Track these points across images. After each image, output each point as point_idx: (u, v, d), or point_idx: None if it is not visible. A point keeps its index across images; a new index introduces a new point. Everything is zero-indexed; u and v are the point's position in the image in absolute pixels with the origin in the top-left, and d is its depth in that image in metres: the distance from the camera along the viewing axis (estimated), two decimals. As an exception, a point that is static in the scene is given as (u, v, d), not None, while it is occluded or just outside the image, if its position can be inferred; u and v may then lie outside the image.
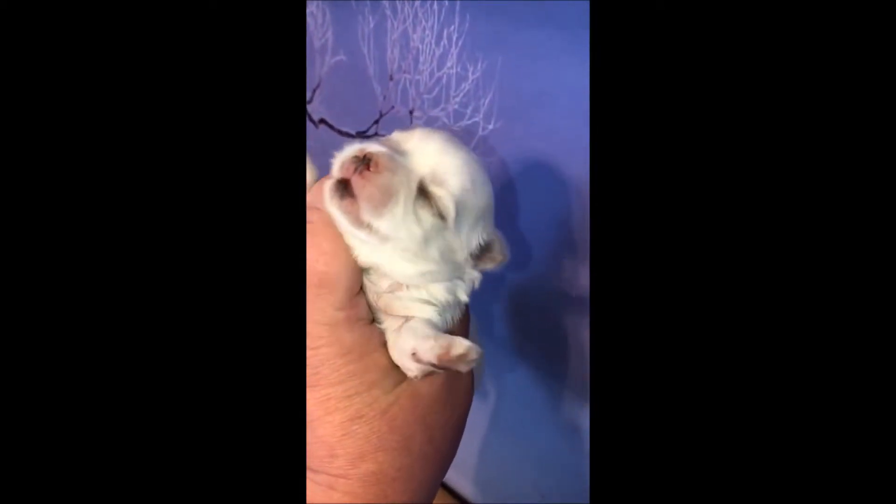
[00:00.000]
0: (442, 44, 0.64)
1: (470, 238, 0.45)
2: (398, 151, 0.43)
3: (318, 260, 0.43)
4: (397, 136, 0.46)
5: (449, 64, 0.64)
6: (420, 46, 0.66)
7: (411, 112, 0.70)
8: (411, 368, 0.44)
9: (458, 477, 0.93)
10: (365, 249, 0.43)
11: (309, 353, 0.42)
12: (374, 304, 0.46)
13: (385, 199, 0.41)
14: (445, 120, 0.66)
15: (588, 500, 0.35)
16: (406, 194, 0.42)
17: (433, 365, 0.42)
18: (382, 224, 0.42)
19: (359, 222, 0.42)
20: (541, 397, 0.73)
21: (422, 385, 0.45)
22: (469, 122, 0.64)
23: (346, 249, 0.43)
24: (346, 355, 0.43)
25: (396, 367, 0.45)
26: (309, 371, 0.42)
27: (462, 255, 0.46)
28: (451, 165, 0.43)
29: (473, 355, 0.42)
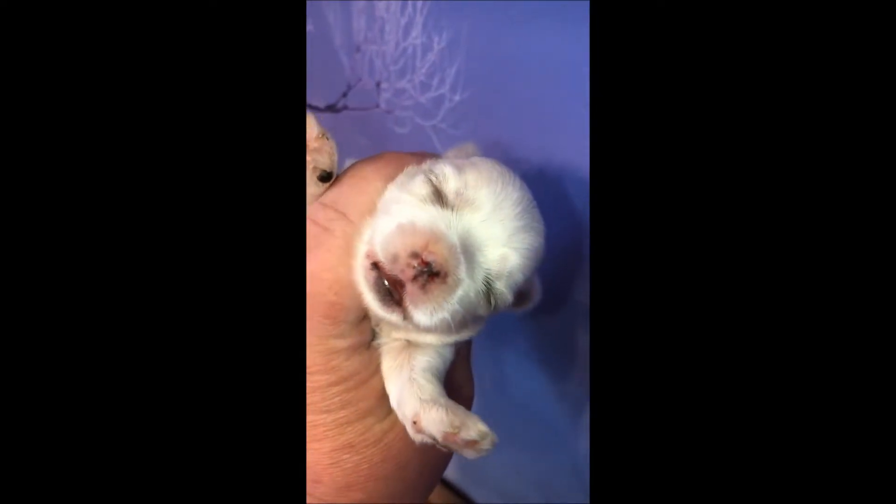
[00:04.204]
0: (407, 13, 0.62)
1: (510, 300, 0.39)
2: (453, 195, 0.36)
3: (331, 289, 0.36)
4: (451, 173, 0.37)
5: (414, 34, 0.62)
6: (385, 16, 0.65)
7: (378, 84, 0.69)
8: (410, 432, 0.38)
9: (456, 473, 0.93)
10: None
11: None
12: (373, 323, 0.40)
13: (446, 308, 0.35)
14: (412, 92, 0.65)
15: (588, 500, 0.34)
16: (469, 298, 0.36)
17: (434, 440, 0.36)
18: (429, 322, 0.36)
19: (402, 319, 0.36)
20: (542, 395, 0.72)
21: None
22: (435, 93, 0.62)
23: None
24: (341, 384, 0.38)
25: None
26: None
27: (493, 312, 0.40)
28: (520, 258, 0.37)
29: (486, 445, 0.36)
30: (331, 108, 0.77)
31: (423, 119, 0.65)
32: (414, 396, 0.37)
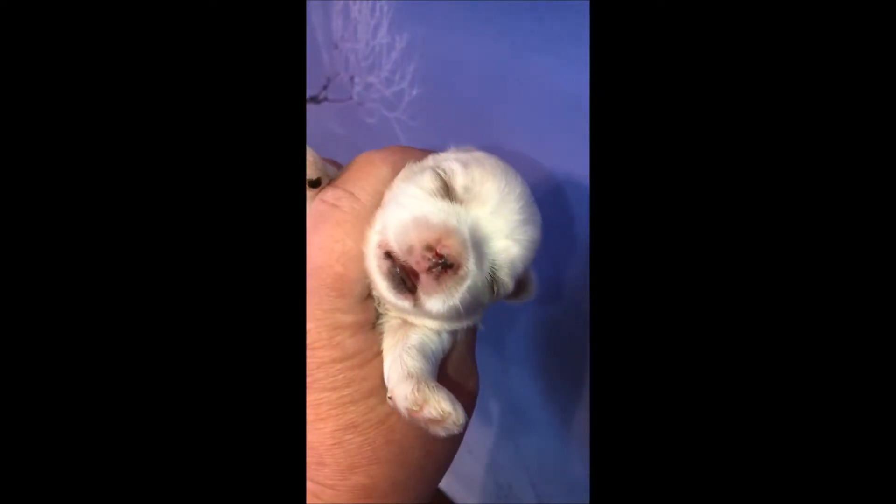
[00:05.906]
0: (375, 15, 0.69)
1: (511, 289, 0.40)
2: (457, 189, 0.38)
3: (338, 260, 0.38)
4: (459, 169, 0.39)
5: (381, 34, 0.69)
6: (358, 17, 0.72)
7: (352, 78, 0.76)
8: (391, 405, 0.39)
9: (451, 478, 0.95)
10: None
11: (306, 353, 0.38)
12: (375, 303, 0.41)
13: (457, 297, 0.37)
14: (379, 86, 0.72)
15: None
16: (477, 287, 0.38)
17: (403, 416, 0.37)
18: (441, 310, 0.37)
19: (412, 306, 0.38)
20: (541, 397, 0.75)
21: None
22: (397, 88, 0.69)
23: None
24: (345, 361, 0.39)
25: None
26: None
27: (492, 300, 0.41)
28: (521, 249, 0.39)
29: (452, 427, 0.36)
30: (314, 100, 0.85)
31: (388, 111, 0.72)
32: (396, 372, 0.39)
